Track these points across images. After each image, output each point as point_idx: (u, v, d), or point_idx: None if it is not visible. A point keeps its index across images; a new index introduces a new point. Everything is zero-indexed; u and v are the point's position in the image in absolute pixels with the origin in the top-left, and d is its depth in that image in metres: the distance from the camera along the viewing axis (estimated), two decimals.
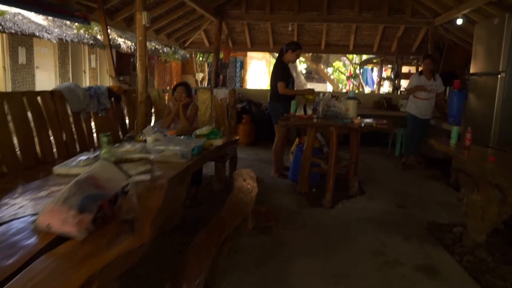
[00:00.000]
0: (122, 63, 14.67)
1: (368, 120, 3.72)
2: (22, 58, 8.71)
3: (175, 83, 16.77)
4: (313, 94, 4.65)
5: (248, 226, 2.07)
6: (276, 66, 4.79)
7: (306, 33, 8.37)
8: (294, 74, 14.95)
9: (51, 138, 3.49)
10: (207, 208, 3.71)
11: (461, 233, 3.15)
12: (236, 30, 8.39)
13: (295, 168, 4.62)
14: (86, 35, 9.40)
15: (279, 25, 8.06)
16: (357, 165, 4.25)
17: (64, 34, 8.67)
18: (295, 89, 4.93)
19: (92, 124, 4.10)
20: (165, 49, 12.50)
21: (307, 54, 12.51)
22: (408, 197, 4.23)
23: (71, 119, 3.81)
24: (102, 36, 10.10)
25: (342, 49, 8.99)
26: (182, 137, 3.09)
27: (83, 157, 2.19)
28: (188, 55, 14.80)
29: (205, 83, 14.11)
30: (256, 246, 2.88)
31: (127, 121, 4.71)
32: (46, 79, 9.59)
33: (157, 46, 12.20)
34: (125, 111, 4.70)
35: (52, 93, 3.63)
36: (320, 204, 3.87)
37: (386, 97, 7.69)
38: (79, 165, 2.11)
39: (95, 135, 4.12)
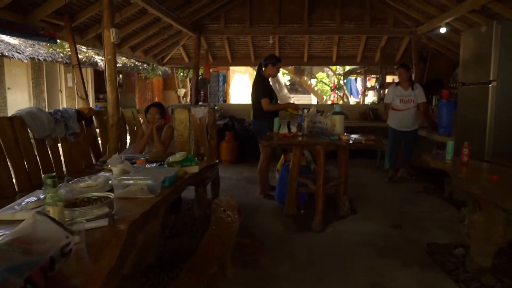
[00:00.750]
0: (102, 80, 14.31)
1: (356, 136, 3.49)
2: None
3: (156, 99, 16.47)
4: (296, 110, 4.41)
5: (227, 274, 1.77)
6: (257, 82, 4.54)
7: (288, 46, 8.20)
8: (277, 87, 14.84)
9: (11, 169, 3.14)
10: (188, 238, 3.40)
11: (464, 255, 2.91)
12: (215, 44, 8.16)
13: (281, 188, 4.35)
14: (61, 54, 9.03)
15: (260, 38, 7.86)
16: (347, 183, 3.99)
17: (37, 53, 8.31)
18: (278, 103, 4.69)
19: (61, 150, 3.77)
20: (145, 65, 12.20)
21: (289, 67, 12.37)
22: (402, 215, 3.99)
23: (35, 147, 3.49)
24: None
25: (325, 61, 8.83)
26: (154, 164, 2.79)
27: (32, 199, 1.87)
28: (169, 71, 14.51)
29: (187, 99, 13.81)
30: (241, 283, 2.57)
31: (100, 144, 4.39)
32: (19, 100, 9.17)
33: (136, 63, 11.91)
34: (98, 134, 4.39)
35: (11, 119, 3.30)
36: (309, 228, 3.60)
37: (372, 107, 7.53)
38: (26, 208, 1.80)
39: (64, 162, 3.79)
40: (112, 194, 1.86)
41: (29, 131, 3.46)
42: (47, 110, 10.60)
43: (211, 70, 15.34)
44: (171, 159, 2.69)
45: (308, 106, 5.16)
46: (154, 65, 11.51)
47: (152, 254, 2.77)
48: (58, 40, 4.59)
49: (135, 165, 2.62)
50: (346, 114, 4.05)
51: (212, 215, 2.46)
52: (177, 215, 3.67)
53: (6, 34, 4.05)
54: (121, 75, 14.35)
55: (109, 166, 2.55)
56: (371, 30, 7.15)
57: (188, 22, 6.71)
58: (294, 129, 3.79)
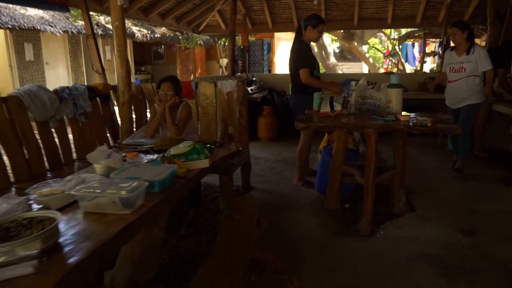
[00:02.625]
0: (144, 52, 14.04)
1: (419, 117, 2.67)
2: (29, 55, 8.15)
3: (199, 71, 16.01)
4: (340, 93, 3.61)
5: None
6: (294, 49, 3.79)
7: (335, 7, 7.20)
8: (324, 55, 13.75)
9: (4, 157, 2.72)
10: (207, 238, 2.86)
11: None
12: (254, 8, 7.36)
13: (323, 175, 3.66)
14: (95, 26, 8.69)
15: None
16: (404, 173, 3.21)
17: (71, 26, 7.99)
18: (322, 76, 3.89)
19: (70, 133, 3.32)
20: (185, 35, 11.67)
21: (338, 31, 11.25)
22: (474, 215, 3.17)
23: (37, 130, 3.05)
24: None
25: (378, 24, 7.72)
26: (155, 156, 2.21)
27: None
28: (211, 40, 13.91)
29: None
30: None
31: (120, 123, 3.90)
32: (58, 75, 9.04)
33: (176, 32, 11.39)
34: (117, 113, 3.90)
35: (5, 99, 2.84)
36: (354, 231, 2.91)
37: (433, 76, 6.44)
38: None
39: (73, 146, 3.34)
40: (57, 215, 1.30)
41: (29, 113, 3.02)
42: (85, 83, 10.50)
43: (253, 38, 14.69)
44: (172, 151, 2.09)
45: (356, 77, 4.33)
46: (190, 35, 10.94)
47: (153, 267, 2.25)
48: (70, 8, 4.10)
49: (127, 160, 2.05)
50: (405, 87, 3.22)
51: (220, 228, 1.87)
52: (197, 210, 3.12)
53: (8, 3, 3.62)
54: (162, 46, 14.01)
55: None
56: None
57: None
58: (338, 107, 3.03)
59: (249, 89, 6.15)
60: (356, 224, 2.97)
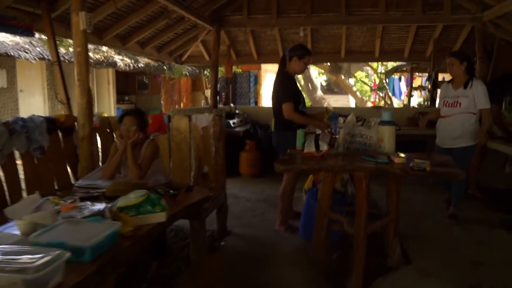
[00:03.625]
0: (128, 81, 13.75)
1: (417, 160, 2.34)
2: (2, 81, 7.76)
3: (185, 101, 15.75)
4: (325, 129, 3.32)
5: None
6: (278, 81, 3.49)
7: (322, 39, 7.05)
8: (310, 87, 13.64)
9: None
10: None
11: None
12: (238, 39, 7.17)
13: (307, 220, 3.29)
14: (68, 51, 8.38)
15: (288, 31, 6.79)
16: (398, 221, 2.85)
17: (48, 53, 7.66)
18: (307, 110, 3.58)
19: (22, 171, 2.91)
20: (168, 65, 11.43)
21: (325, 64, 11.17)
22: (477, 268, 2.80)
23: None
24: (93, 54, 9.12)
25: (366, 57, 7.59)
26: (100, 207, 1.81)
27: None
28: (197, 71, 13.71)
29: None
30: None
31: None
32: (33, 103, 8.63)
33: (161, 62, 11.16)
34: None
35: None
36: None
37: (423, 111, 6.24)
38: None
39: (24, 185, 2.91)
40: None
41: None
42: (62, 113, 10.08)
43: (239, 69, 14.58)
44: (120, 202, 1.69)
45: (344, 112, 4.05)
46: (173, 65, 10.70)
47: None
48: (35, 33, 3.78)
49: (64, 214, 1.65)
50: (397, 124, 2.91)
51: None
52: (161, 261, 2.69)
53: None
54: (144, 76, 13.76)
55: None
56: (423, 18, 5.88)
57: (204, 13, 5.75)
58: (324, 146, 2.70)
59: (231, 122, 5.83)
60: (346, 280, 2.57)
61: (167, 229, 3.21)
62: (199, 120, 3.46)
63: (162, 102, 13.73)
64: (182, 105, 15.02)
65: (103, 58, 9.30)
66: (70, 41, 8.56)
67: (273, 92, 3.55)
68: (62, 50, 8.19)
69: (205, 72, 12.89)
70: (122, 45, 5.51)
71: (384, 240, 2.91)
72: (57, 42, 3.97)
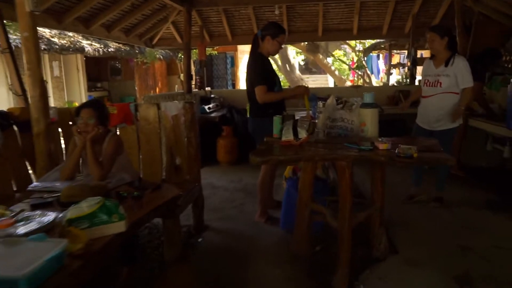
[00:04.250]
0: (100, 68, 13.16)
1: (402, 145, 2.16)
2: None
3: (160, 86, 15.27)
4: (306, 93, 3.12)
5: None
6: (250, 64, 3.25)
7: (298, 17, 6.78)
8: (288, 68, 13.37)
9: None
10: None
11: None
12: (211, 19, 6.82)
13: (288, 211, 3.12)
14: (39, 40, 7.85)
15: (264, 9, 6.48)
16: (383, 210, 2.70)
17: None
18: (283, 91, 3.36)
19: None
20: (138, 48, 10.93)
21: (302, 44, 10.90)
22: (466, 254, 2.70)
23: None
24: (58, 39, 8.60)
25: (344, 35, 7.36)
26: (49, 218, 1.56)
27: None
28: (172, 54, 13.23)
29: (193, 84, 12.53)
30: None
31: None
32: None
33: (134, 47, 10.65)
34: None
35: None
36: (329, 286, 2.36)
37: (403, 89, 6.11)
38: None
39: None
40: None
41: None
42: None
43: (215, 51, 14.16)
44: (69, 213, 1.45)
45: (323, 93, 3.84)
46: (144, 48, 10.23)
47: None
48: None
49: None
50: (380, 106, 2.73)
51: None
52: (132, 266, 2.48)
53: None
54: (117, 61, 13.21)
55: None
56: None
57: None
58: (303, 134, 2.49)
59: (206, 107, 5.57)
60: (331, 275, 2.42)
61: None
62: (169, 108, 3.20)
63: (136, 88, 13.25)
64: (158, 90, 14.56)
65: (69, 43, 8.77)
66: (41, 29, 8.05)
67: (246, 76, 3.32)
68: (15, 36, 7.66)
69: (179, 55, 12.46)
70: (85, 28, 5.12)
71: (369, 230, 2.76)
72: (7, 26, 3.59)
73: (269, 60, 3.31)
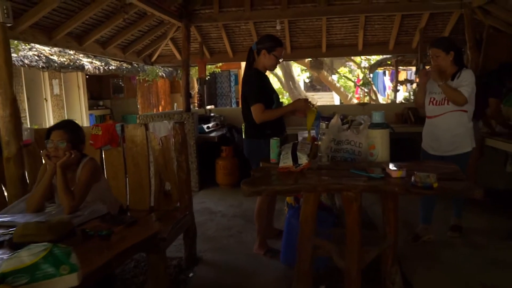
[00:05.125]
0: (101, 86, 13.04)
1: (418, 172, 1.84)
2: None
3: (163, 104, 15.09)
4: (307, 107, 2.79)
5: None
6: (245, 81, 2.99)
7: (301, 33, 6.55)
8: (291, 85, 13.13)
9: None
10: None
11: None
12: (211, 36, 6.60)
13: (289, 243, 2.79)
14: (35, 57, 7.70)
15: (265, 24, 6.26)
16: (397, 246, 2.36)
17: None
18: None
19: None
20: (144, 66, 10.78)
21: (306, 60, 10.68)
22: None
23: None
24: (58, 57, 8.44)
25: (349, 50, 7.10)
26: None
27: None
28: (174, 72, 13.08)
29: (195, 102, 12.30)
30: None
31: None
32: None
33: (135, 64, 10.50)
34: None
35: None
36: None
37: (412, 107, 5.82)
38: None
39: None
40: None
41: None
42: (28, 122, 9.36)
43: (218, 69, 13.99)
44: (4, 265, 1.15)
45: (328, 111, 3.55)
46: (142, 65, 10.06)
47: None
48: None
49: None
50: (391, 127, 2.42)
51: None
52: None
53: None
54: (119, 79, 13.09)
55: None
56: (408, 5, 5.43)
57: (170, 6, 5.18)
58: (304, 159, 2.19)
59: (205, 126, 5.31)
60: None
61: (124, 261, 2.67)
62: (158, 129, 2.92)
63: (138, 106, 13.08)
64: (161, 108, 14.39)
65: (68, 61, 8.62)
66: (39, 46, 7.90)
67: (241, 94, 3.05)
68: (21, 53, 7.52)
69: (179, 72, 12.31)
70: (78, 44, 4.91)
71: (381, 267, 2.42)
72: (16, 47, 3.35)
73: (266, 76, 3.06)
